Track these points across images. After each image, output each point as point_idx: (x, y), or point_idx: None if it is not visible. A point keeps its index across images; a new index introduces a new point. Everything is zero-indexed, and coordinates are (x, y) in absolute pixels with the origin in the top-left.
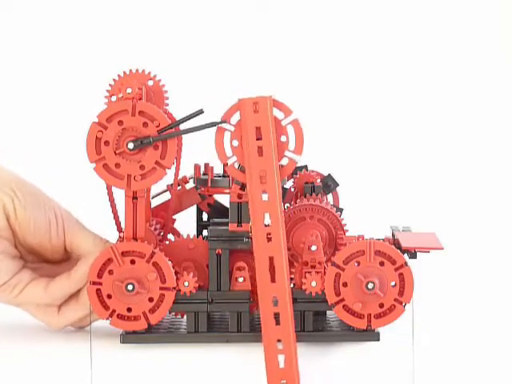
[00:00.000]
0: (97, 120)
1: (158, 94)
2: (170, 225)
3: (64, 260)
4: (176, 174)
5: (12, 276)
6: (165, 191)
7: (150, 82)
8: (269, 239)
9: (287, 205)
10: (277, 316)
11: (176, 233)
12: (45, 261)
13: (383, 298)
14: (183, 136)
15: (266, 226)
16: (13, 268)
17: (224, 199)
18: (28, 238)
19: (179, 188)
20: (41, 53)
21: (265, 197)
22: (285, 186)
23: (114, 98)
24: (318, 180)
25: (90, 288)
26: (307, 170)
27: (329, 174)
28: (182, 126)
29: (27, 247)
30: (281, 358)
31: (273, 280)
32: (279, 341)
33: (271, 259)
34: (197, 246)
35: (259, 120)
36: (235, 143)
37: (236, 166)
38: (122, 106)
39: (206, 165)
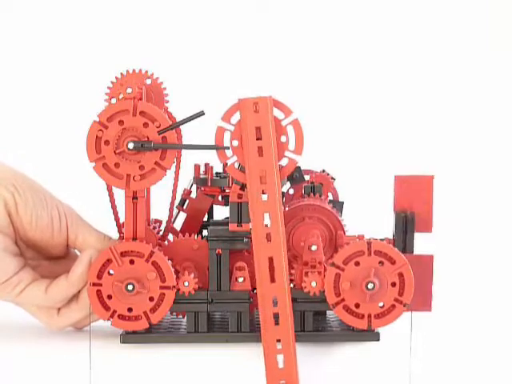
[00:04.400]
0: (97, 119)
1: (158, 93)
2: (170, 225)
3: (63, 257)
4: (176, 175)
5: (13, 274)
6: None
7: (148, 81)
8: (268, 239)
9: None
10: (276, 316)
11: (175, 232)
12: (45, 257)
13: (383, 298)
14: (183, 137)
15: (265, 226)
16: (14, 266)
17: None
18: (29, 234)
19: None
20: (41, 53)
21: (265, 197)
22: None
23: (113, 101)
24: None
25: (91, 289)
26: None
27: (298, 167)
28: (183, 128)
29: (28, 243)
30: (280, 358)
31: (272, 280)
32: (278, 341)
33: (271, 259)
34: (201, 247)
35: (259, 120)
36: (235, 143)
37: (236, 165)
38: (122, 105)
39: (206, 165)
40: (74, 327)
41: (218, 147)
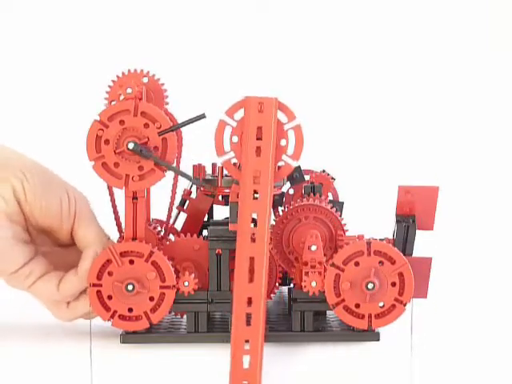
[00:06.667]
0: (98, 118)
1: (158, 93)
2: (171, 225)
3: (74, 244)
4: (175, 176)
5: (24, 264)
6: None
7: (145, 79)
8: (253, 240)
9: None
10: (249, 316)
11: (176, 233)
12: (56, 243)
13: (383, 298)
14: (183, 137)
15: (252, 226)
16: (25, 255)
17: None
18: (39, 220)
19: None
20: (41, 52)
21: (256, 197)
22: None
23: (113, 104)
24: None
25: (91, 290)
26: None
27: (298, 167)
28: (183, 128)
29: (39, 228)
30: (246, 359)
31: (251, 280)
32: (247, 341)
33: (252, 259)
34: (202, 247)
35: (262, 120)
36: (235, 139)
37: (232, 162)
38: (124, 105)
39: (214, 165)
40: (83, 318)
41: (205, 185)
